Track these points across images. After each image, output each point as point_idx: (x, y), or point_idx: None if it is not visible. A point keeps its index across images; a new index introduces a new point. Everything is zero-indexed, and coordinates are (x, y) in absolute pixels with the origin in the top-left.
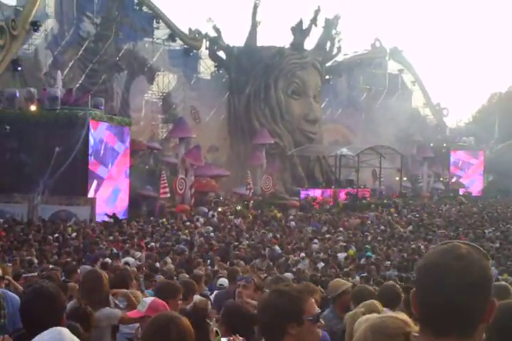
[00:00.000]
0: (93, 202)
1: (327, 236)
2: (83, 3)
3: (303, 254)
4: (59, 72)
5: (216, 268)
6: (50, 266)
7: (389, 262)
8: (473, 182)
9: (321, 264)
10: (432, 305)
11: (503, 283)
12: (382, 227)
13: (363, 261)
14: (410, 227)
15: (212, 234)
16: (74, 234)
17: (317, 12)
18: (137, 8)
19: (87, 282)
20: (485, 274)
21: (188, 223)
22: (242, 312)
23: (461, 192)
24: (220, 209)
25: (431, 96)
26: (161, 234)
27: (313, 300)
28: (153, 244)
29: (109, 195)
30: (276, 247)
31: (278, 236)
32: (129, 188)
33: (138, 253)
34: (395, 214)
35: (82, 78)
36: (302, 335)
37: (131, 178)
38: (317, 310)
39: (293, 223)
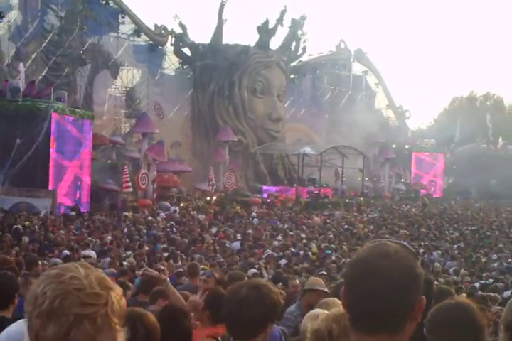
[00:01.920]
0: (54, 194)
1: (290, 233)
2: None
3: (268, 251)
4: (21, 63)
5: (180, 263)
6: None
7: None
8: (433, 183)
9: (283, 261)
10: (359, 303)
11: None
12: (346, 226)
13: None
14: (371, 227)
15: (174, 229)
16: (34, 227)
17: (283, 12)
18: (103, 2)
19: None
20: (411, 273)
21: (150, 218)
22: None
23: (421, 194)
24: (182, 205)
25: (394, 99)
26: (124, 228)
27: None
28: (109, 237)
29: (71, 187)
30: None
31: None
32: (90, 182)
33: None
34: (355, 214)
35: (45, 70)
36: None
37: (93, 172)
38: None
39: (256, 220)
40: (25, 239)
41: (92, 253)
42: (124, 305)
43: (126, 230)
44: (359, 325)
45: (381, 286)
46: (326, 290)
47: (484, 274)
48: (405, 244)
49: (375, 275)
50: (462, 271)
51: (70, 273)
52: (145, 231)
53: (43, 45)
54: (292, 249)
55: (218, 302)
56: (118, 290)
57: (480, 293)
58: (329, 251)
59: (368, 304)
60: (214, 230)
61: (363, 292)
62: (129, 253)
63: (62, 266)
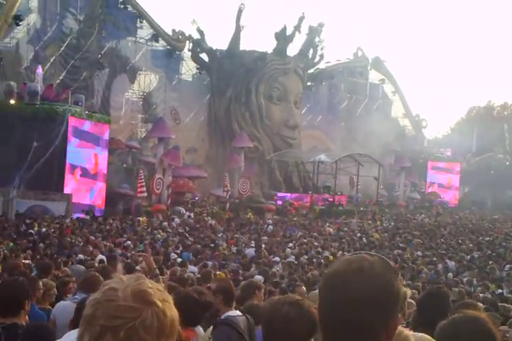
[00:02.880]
0: (69, 198)
1: (304, 240)
2: None
3: (277, 258)
4: (40, 67)
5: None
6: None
7: None
8: (449, 193)
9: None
10: (330, 318)
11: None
12: (359, 234)
13: None
14: (386, 235)
15: (187, 234)
16: (50, 230)
17: (301, 19)
18: (121, 6)
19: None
20: (386, 289)
21: (164, 223)
22: (194, 299)
23: (436, 203)
24: (196, 210)
25: (410, 107)
26: (138, 232)
27: None
28: (129, 242)
29: (86, 191)
30: (252, 250)
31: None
32: (106, 186)
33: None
34: (369, 222)
35: (63, 74)
36: None
37: (109, 176)
38: None
39: (270, 227)
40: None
41: (102, 257)
42: (170, 322)
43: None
44: (329, 335)
45: (352, 299)
46: None
47: (497, 284)
48: (383, 257)
49: (347, 288)
50: (475, 281)
51: (112, 284)
52: (159, 236)
53: (62, 48)
54: (305, 256)
55: (190, 305)
56: (165, 305)
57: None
58: None
59: (338, 316)
60: (224, 236)
61: (335, 303)
62: (140, 259)
63: (117, 277)
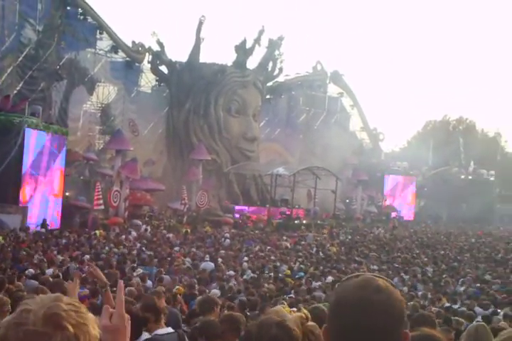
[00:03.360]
0: (25, 210)
1: (261, 254)
2: (26, 9)
3: (232, 272)
4: None
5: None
6: None
7: (319, 283)
8: (404, 206)
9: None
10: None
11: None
12: (315, 249)
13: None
14: (342, 249)
15: (144, 248)
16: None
17: (261, 32)
18: (81, 17)
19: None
20: (403, 306)
21: (122, 236)
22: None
23: (393, 216)
24: (153, 223)
25: (368, 121)
26: (93, 246)
27: None
28: (87, 256)
29: (42, 204)
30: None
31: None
32: (62, 198)
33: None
34: (325, 236)
35: (21, 85)
36: None
37: (66, 188)
38: None
39: (228, 240)
40: None
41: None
42: None
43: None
44: None
45: (382, 322)
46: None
47: (451, 298)
48: (383, 276)
49: (374, 313)
50: (429, 295)
51: (27, 305)
52: (115, 250)
53: (20, 59)
54: (263, 270)
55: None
56: (78, 329)
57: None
58: (302, 274)
59: (361, 338)
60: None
61: (363, 331)
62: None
63: (35, 297)
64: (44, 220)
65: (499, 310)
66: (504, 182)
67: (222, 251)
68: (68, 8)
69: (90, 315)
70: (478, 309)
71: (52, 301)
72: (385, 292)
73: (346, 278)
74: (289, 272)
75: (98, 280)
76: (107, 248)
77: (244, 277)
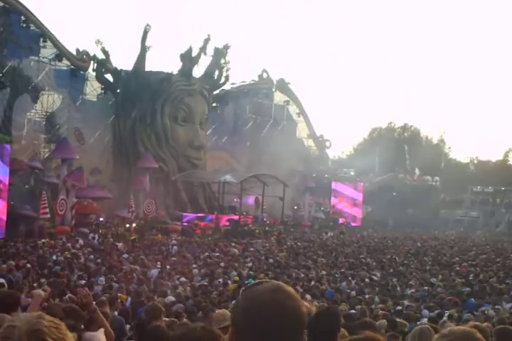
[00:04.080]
0: None
1: (209, 261)
2: None
3: (183, 279)
4: None
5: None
6: None
7: None
8: (354, 210)
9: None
10: None
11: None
12: (264, 255)
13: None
14: (291, 255)
15: (91, 256)
16: None
17: (207, 40)
18: (24, 25)
19: None
20: (305, 312)
21: (68, 244)
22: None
23: (340, 222)
24: (100, 232)
25: (315, 128)
26: (40, 255)
27: None
28: (29, 265)
29: None
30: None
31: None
32: (7, 207)
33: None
34: (274, 242)
35: None
36: None
37: (10, 197)
38: None
39: (175, 248)
40: None
41: (2, 281)
42: None
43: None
44: None
45: (295, 327)
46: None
47: (396, 301)
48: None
49: (288, 317)
50: (376, 298)
51: (11, 322)
52: (62, 258)
53: None
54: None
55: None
56: None
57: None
58: (251, 280)
59: (271, 339)
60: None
61: (274, 335)
62: (43, 280)
63: (19, 315)
64: None
65: (445, 312)
66: (448, 188)
67: (173, 258)
68: (10, 15)
69: (69, 333)
70: (425, 311)
71: (35, 319)
72: (295, 298)
73: (251, 285)
74: (238, 278)
75: (86, 305)
76: (54, 257)
77: (194, 283)
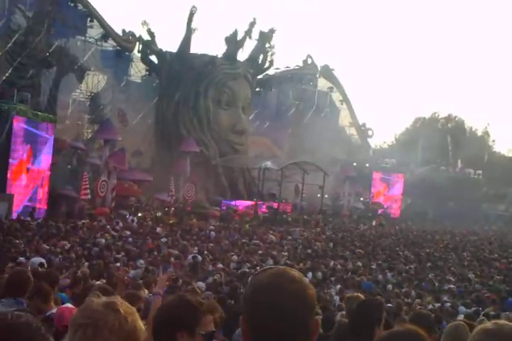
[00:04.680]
0: (11, 198)
1: (246, 248)
2: None
3: (220, 265)
4: None
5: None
6: None
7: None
8: (391, 203)
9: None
10: (270, 328)
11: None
12: (302, 243)
13: None
14: (330, 245)
15: (130, 239)
16: None
17: (252, 24)
18: (72, 4)
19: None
20: (314, 296)
21: (108, 226)
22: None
23: (379, 213)
24: (140, 215)
25: (357, 117)
26: (79, 236)
27: (211, 318)
28: (68, 246)
29: (29, 192)
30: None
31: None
32: (49, 187)
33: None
34: (313, 231)
35: (10, 71)
36: None
37: (52, 177)
38: (212, 328)
39: (213, 233)
40: None
41: (43, 261)
42: (131, 328)
43: (81, 239)
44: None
45: (296, 310)
46: None
47: (435, 297)
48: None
49: (288, 300)
50: (413, 293)
51: (93, 297)
52: (102, 240)
53: (9, 45)
54: (248, 264)
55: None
56: (128, 315)
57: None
58: None
59: (277, 324)
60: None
61: (278, 317)
62: (82, 261)
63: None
64: (33, 209)
65: (483, 309)
66: (490, 182)
67: (210, 244)
68: None
69: (136, 313)
70: (461, 308)
71: (110, 298)
72: (298, 282)
73: (261, 270)
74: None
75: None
76: (94, 238)
77: (230, 270)
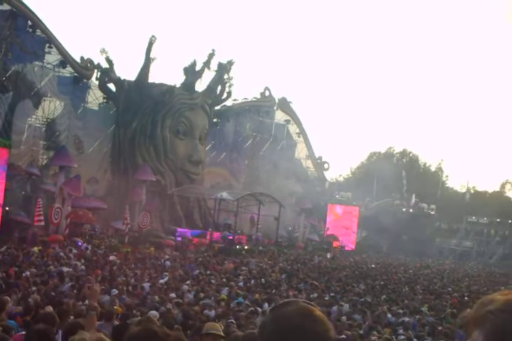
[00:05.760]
0: None
1: (200, 277)
2: None
3: (173, 295)
4: None
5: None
6: None
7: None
8: (347, 236)
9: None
10: None
11: None
12: (257, 274)
13: (233, 305)
14: (283, 276)
15: (83, 266)
16: None
17: (211, 55)
18: (30, 30)
19: None
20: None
21: (61, 253)
22: None
23: (335, 245)
24: (94, 243)
25: (314, 149)
26: (31, 263)
27: None
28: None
29: None
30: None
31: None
32: (1, 213)
33: None
34: (269, 262)
35: None
36: None
37: (6, 203)
38: None
39: (168, 262)
40: None
41: None
42: None
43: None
44: None
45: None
46: (222, 334)
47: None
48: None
49: (315, 340)
50: (366, 324)
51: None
52: (52, 268)
53: None
54: (202, 294)
55: None
56: None
57: None
58: (241, 299)
59: None
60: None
61: None
62: (34, 288)
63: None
64: None
65: None
66: (444, 217)
67: (165, 273)
68: (17, 19)
69: None
70: (414, 340)
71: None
72: (325, 323)
73: (280, 305)
74: (225, 297)
75: (92, 302)
76: (50, 267)
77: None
